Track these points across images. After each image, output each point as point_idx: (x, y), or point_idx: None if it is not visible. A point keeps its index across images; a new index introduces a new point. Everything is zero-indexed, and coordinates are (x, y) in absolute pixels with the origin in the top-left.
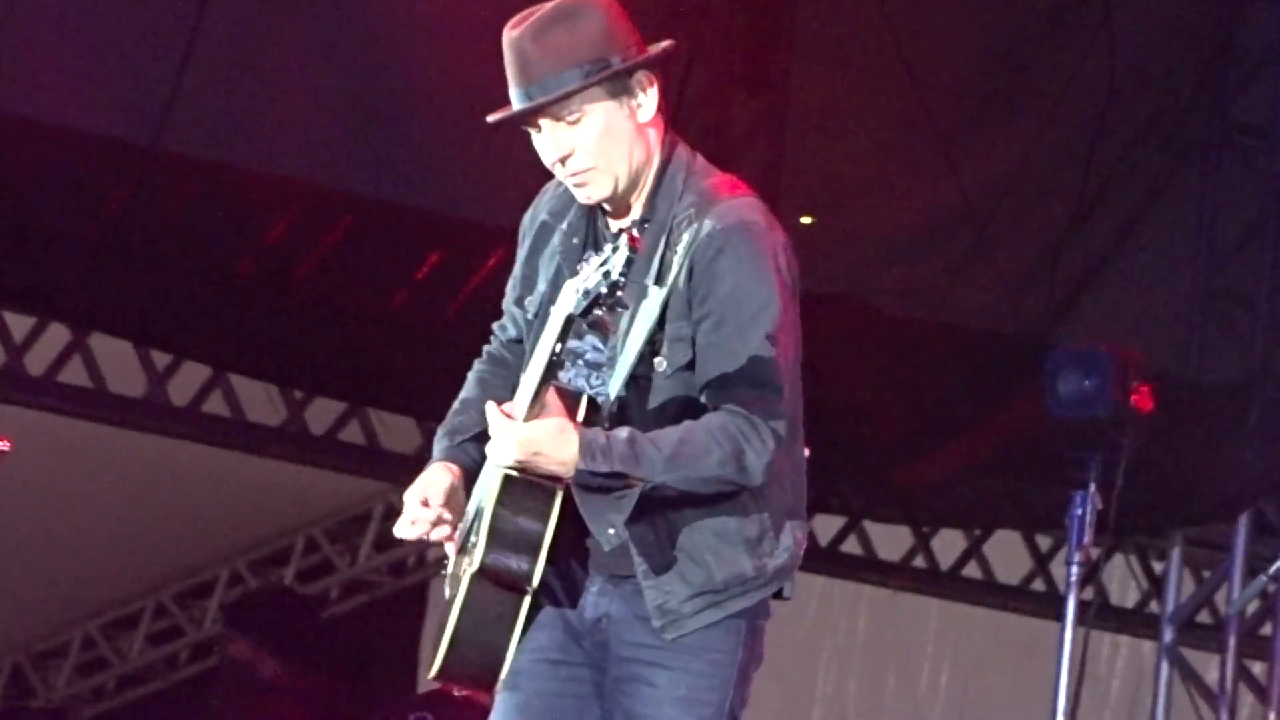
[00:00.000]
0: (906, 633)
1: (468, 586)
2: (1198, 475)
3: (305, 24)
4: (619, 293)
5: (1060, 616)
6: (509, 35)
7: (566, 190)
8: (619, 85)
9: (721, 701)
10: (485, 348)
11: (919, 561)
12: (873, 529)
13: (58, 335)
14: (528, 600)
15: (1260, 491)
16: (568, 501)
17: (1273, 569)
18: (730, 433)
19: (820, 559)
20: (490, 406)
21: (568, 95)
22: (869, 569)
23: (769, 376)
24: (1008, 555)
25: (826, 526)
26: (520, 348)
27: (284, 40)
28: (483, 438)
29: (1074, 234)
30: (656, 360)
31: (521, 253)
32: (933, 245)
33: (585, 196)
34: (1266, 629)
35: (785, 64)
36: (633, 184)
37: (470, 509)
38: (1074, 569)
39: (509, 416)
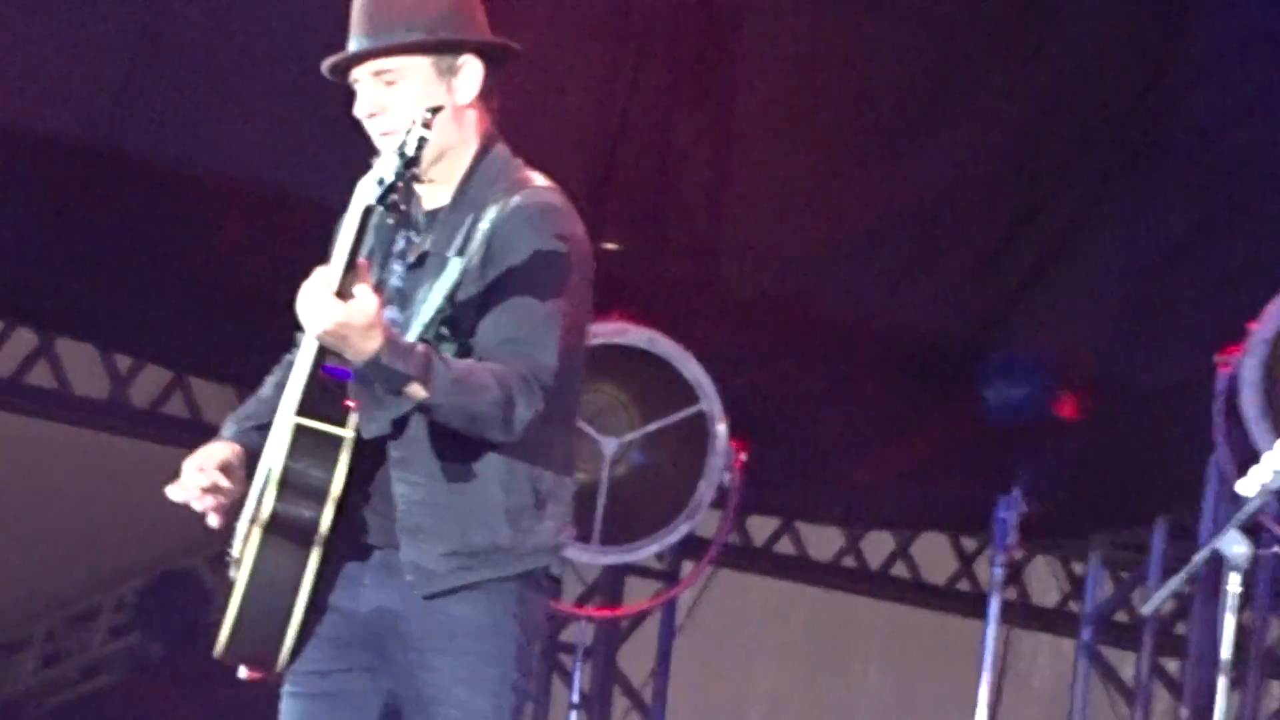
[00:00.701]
0: (842, 632)
1: (257, 548)
2: (1119, 480)
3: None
4: (415, 171)
5: (984, 616)
6: None
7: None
8: (444, 61)
9: (503, 674)
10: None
11: (849, 561)
12: (804, 529)
13: (25, 340)
14: (316, 556)
15: (1177, 496)
16: (347, 490)
17: (1186, 570)
18: (507, 380)
19: (755, 558)
20: (315, 278)
21: (390, 49)
22: (802, 569)
23: (546, 345)
24: (934, 556)
25: (762, 527)
26: None
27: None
28: (268, 428)
29: (1015, 240)
30: (444, 329)
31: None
32: (875, 250)
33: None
34: (1181, 628)
35: (730, 74)
36: (437, 158)
37: (257, 481)
38: (998, 570)
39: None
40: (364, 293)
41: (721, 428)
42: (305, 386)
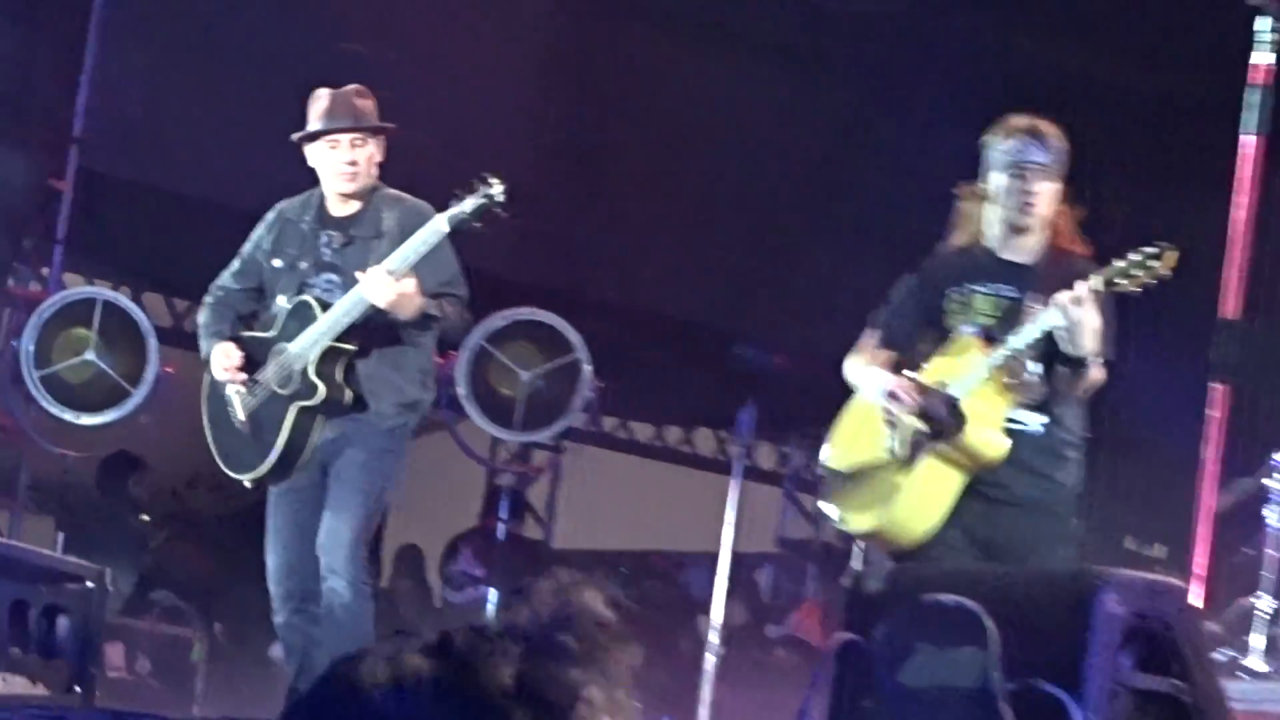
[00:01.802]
0: (652, 478)
1: (295, 416)
2: (806, 403)
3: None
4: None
5: (731, 472)
6: (334, 91)
7: (298, 201)
8: (380, 139)
9: (391, 473)
10: (213, 294)
11: (657, 443)
12: (633, 424)
13: None
14: (322, 416)
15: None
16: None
17: None
18: (460, 309)
19: (605, 440)
20: (377, 270)
21: (377, 129)
22: (630, 446)
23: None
24: (705, 440)
25: (608, 423)
26: (249, 291)
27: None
28: (240, 338)
29: (760, 244)
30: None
31: (266, 233)
32: (653, 250)
33: (349, 187)
34: None
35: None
36: (366, 191)
37: (274, 369)
38: (739, 449)
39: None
40: (410, 280)
41: (588, 368)
42: (344, 328)
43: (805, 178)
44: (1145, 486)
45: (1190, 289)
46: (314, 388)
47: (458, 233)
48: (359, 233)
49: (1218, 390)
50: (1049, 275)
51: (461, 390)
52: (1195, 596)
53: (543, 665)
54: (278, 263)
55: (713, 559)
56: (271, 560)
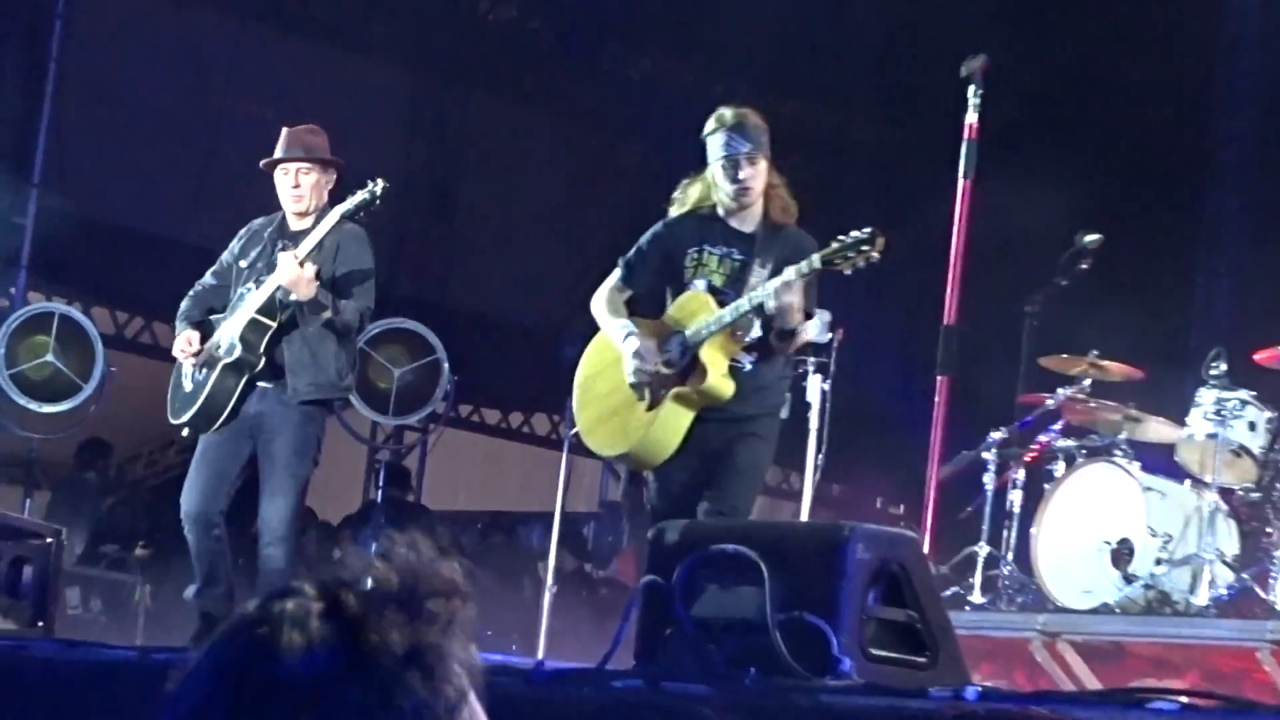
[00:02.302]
0: (497, 453)
1: (219, 373)
2: None
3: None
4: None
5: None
6: (291, 129)
7: (266, 219)
8: (326, 169)
9: (311, 448)
10: (194, 290)
11: (504, 425)
12: (484, 411)
13: None
14: (245, 379)
15: None
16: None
17: None
18: (359, 310)
19: (462, 423)
20: (286, 255)
21: (324, 161)
22: (481, 427)
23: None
24: (540, 423)
25: (464, 410)
26: (223, 288)
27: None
28: (201, 322)
29: (580, 252)
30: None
31: (237, 242)
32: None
33: (296, 207)
34: None
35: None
36: (315, 210)
37: (214, 342)
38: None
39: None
40: (310, 265)
41: (446, 365)
42: (262, 303)
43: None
44: (890, 459)
45: (916, 302)
46: (233, 348)
47: (344, 221)
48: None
49: (942, 382)
50: (767, 241)
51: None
52: (926, 546)
53: (425, 632)
54: (243, 263)
55: (548, 517)
56: (187, 491)
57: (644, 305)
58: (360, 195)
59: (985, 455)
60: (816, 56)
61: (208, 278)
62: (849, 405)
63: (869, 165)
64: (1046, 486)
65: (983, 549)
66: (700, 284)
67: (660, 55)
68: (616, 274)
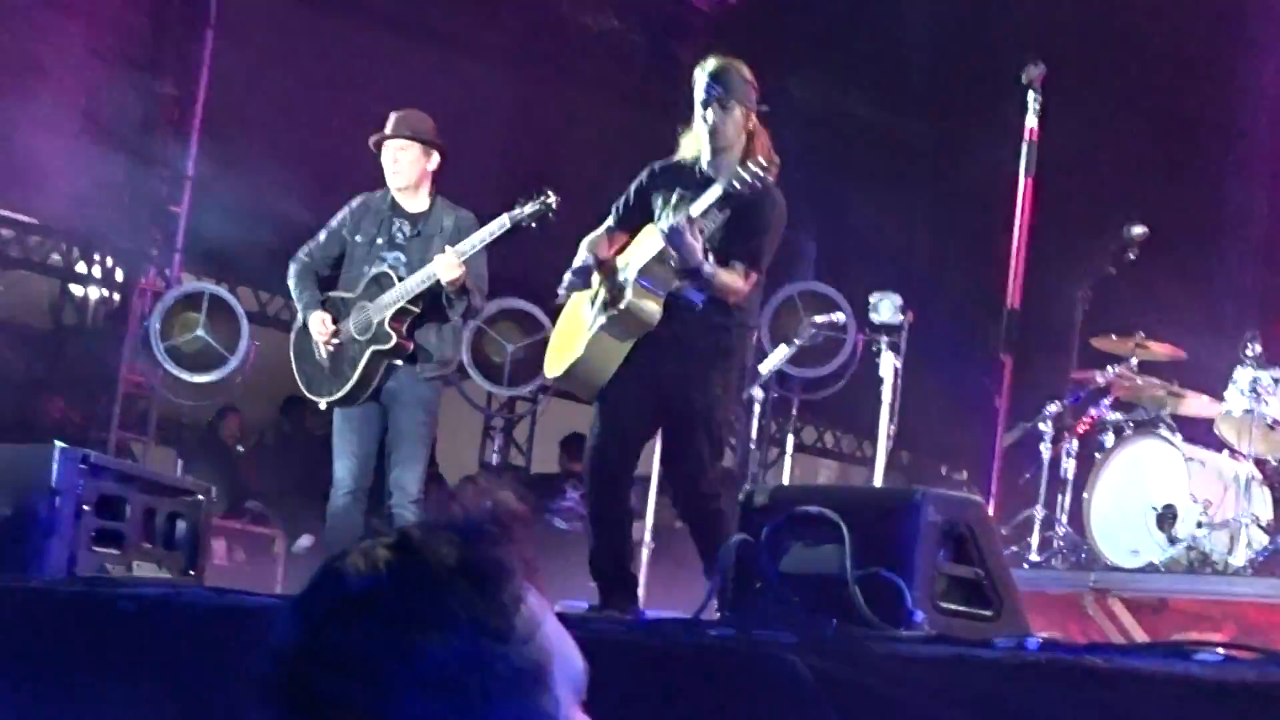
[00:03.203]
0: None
1: (369, 357)
2: None
3: None
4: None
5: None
6: (399, 112)
7: (378, 195)
8: (426, 150)
9: (434, 417)
10: (300, 260)
11: None
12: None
13: None
14: (388, 360)
15: None
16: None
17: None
18: (483, 294)
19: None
20: (450, 254)
21: (407, 136)
22: None
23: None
24: None
25: None
26: (330, 258)
27: None
28: (327, 300)
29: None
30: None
31: (349, 215)
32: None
33: (394, 182)
34: None
35: None
36: (413, 190)
37: (357, 320)
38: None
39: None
40: (464, 268)
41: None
42: (414, 294)
43: None
44: (954, 429)
45: (981, 292)
46: (388, 335)
47: (516, 229)
48: (425, 228)
49: (1005, 360)
50: (739, 188)
51: (465, 358)
52: (990, 508)
53: (476, 547)
54: (359, 238)
55: (645, 479)
56: (340, 463)
57: None
58: (531, 207)
59: (1042, 426)
60: (880, 61)
61: (314, 248)
62: (918, 380)
63: (925, 159)
64: (1097, 456)
65: (1039, 512)
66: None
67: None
68: (609, 218)
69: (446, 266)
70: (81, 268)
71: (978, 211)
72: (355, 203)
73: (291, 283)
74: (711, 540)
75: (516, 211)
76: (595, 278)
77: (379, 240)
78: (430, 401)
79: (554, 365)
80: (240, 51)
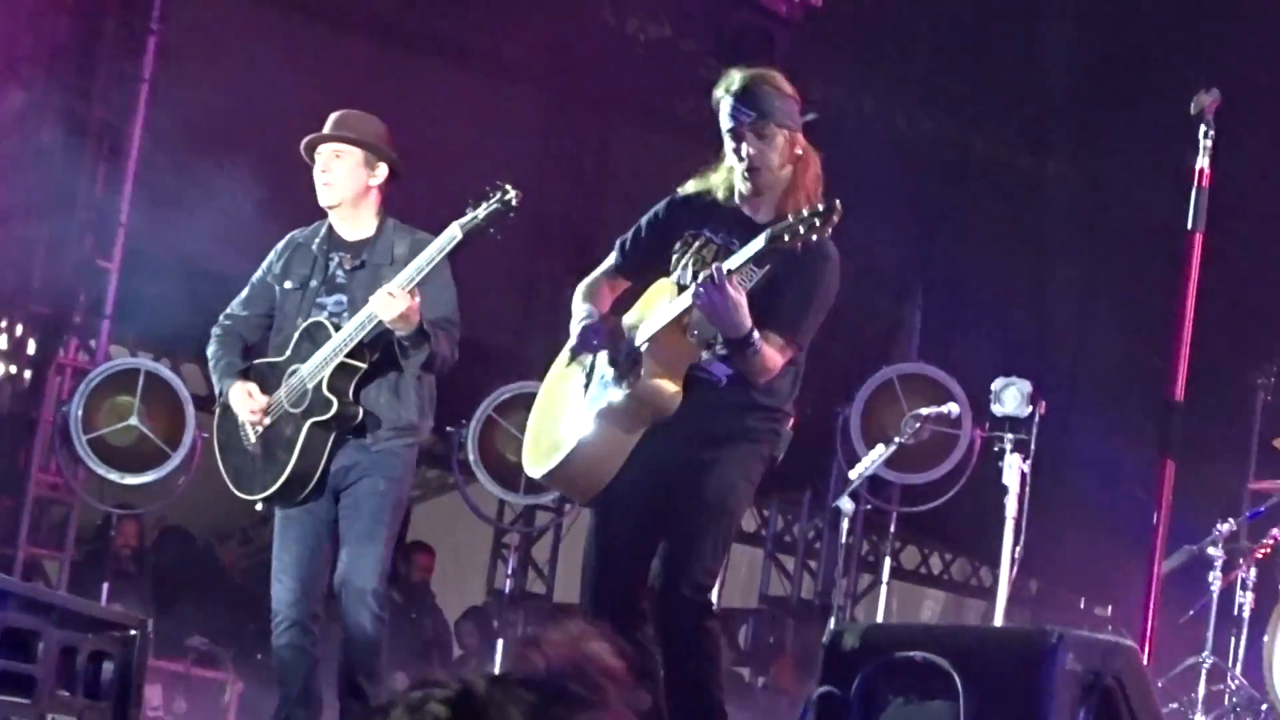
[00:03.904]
0: None
1: (308, 432)
2: (786, 467)
3: None
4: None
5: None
6: (340, 113)
7: (309, 229)
8: (369, 158)
9: (401, 497)
10: (221, 325)
11: None
12: None
13: None
14: (335, 434)
15: (818, 477)
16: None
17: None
18: (453, 340)
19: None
20: (386, 287)
21: (344, 139)
22: None
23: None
24: None
25: None
26: (257, 318)
27: None
28: (243, 372)
29: None
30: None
31: (276, 258)
32: None
33: (326, 198)
34: (817, 545)
35: None
36: (352, 210)
37: (289, 391)
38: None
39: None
40: (415, 299)
41: None
42: (354, 344)
43: None
44: (1097, 552)
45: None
46: (328, 403)
47: (470, 240)
48: (371, 257)
49: (1167, 465)
50: (788, 241)
51: (471, 456)
52: (1144, 654)
53: (552, 712)
54: (289, 284)
55: None
56: (277, 586)
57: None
58: (489, 206)
59: (1210, 550)
60: (1010, 87)
61: (236, 307)
62: (1052, 490)
63: (1065, 209)
64: None
65: (1207, 659)
66: (676, 274)
67: (833, 85)
68: (610, 257)
69: (385, 304)
70: None
71: (1132, 276)
72: (280, 244)
73: (209, 353)
74: (691, 666)
75: (468, 217)
76: (586, 322)
77: (313, 283)
78: (390, 466)
79: (537, 459)
80: (191, 64)
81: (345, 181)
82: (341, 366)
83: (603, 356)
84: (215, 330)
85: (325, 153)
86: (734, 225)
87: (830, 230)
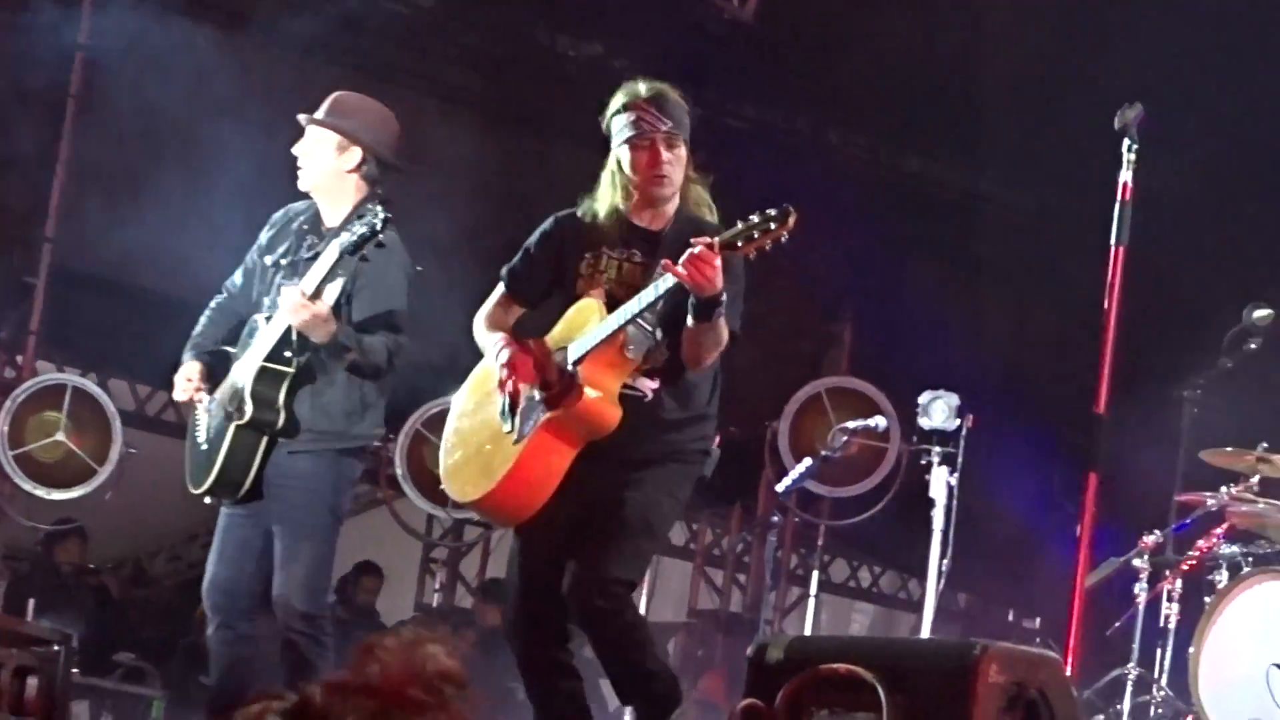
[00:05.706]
0: None
1: (233, 434)
2: (716, 482)
3: None
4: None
5: None
6: (332, 96)
7: (304, 208)
8: (343, 142)
9: (326, 505)
10: (215, 300)
11: None
12: None
13: None
14: (266, 439)
15: (747, 491)
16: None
17: (753, 527)
18: (388, 346)
19: None
20: (292, 290)
21: (317, 122)
22: None
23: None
24: None
25: None
26: (246, 298)
27: None
28: (214, 353)
29: None
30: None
31: (267, 230)
32: None
33: (300, 182)
34: (747, 559)
35: None
36: (328, 195)
37: (226, 387)
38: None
39: (305, 297)
40: (324, 302)
41: None
42: (272, 346)
43: None
44: (1024, 565)
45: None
46: (243, 407)
47: (344, 258)
48: (326, 248)
49: (1091, 478)
50: (678, 241)
51: (399, 471)
52: (1069, 667)
53: (391, 717)
54: (268, 260)
55: None
56: (210, 573)
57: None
58: (365, 224)
59: (1136, 562)
60: (942, 105)
61: (230, 281)
62: (979, 502)
63: (992, 227)
64: (1208, 600)
65: (1133, 671)
66: (595, 293)
67: (766, 104)
68: (499, 287)
69: (293, 308)
70: None
71: (1058, 291)
72: (276, 216)
73: (192, 334)
74: (620, 650)
75: (344, 238)
76: (505, 351)
77: (283, 262)
78: (311, 476)
79: (462, 484)
80: (122, 61)
81: (314, 168)
82: (264, 371)
83: (526, 385)
84: (208, 307)
85: (307, 134)
86: (630, 237)
87: (786, 235)
